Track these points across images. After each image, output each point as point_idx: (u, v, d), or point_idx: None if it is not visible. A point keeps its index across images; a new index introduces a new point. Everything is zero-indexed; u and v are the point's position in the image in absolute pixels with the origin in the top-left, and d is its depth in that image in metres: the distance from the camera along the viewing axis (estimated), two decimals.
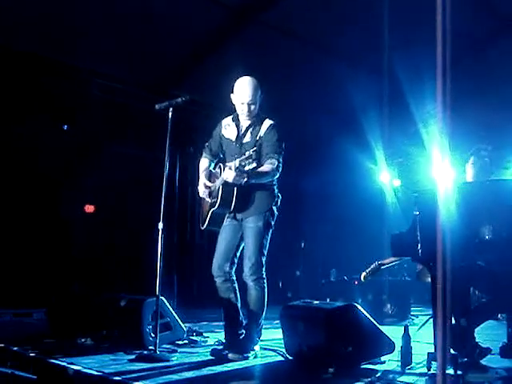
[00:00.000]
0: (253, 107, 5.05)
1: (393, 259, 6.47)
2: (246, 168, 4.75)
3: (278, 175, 5.07)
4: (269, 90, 5.21)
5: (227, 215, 5.16)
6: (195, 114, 9.50)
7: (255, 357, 4.99)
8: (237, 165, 4.75)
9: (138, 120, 9.09)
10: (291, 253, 11.16)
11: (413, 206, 4.56)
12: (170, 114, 5.03)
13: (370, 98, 9.09)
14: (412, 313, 8.45)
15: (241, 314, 5.20)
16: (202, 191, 5.25)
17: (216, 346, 5.29)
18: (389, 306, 8.24)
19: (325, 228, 11.24)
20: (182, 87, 8.68)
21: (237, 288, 5.19)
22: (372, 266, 6.86)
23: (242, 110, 5.09)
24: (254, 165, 4.79)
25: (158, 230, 4.94)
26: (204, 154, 5.48)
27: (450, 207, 4.14)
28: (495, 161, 5.07)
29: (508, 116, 8.50)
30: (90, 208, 9.43)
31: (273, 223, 5.14)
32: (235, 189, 4.96)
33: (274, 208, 5.16)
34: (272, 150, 4.97)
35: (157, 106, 5.12)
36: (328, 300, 7.95)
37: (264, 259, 5.07)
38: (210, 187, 5.23)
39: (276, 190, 5.20)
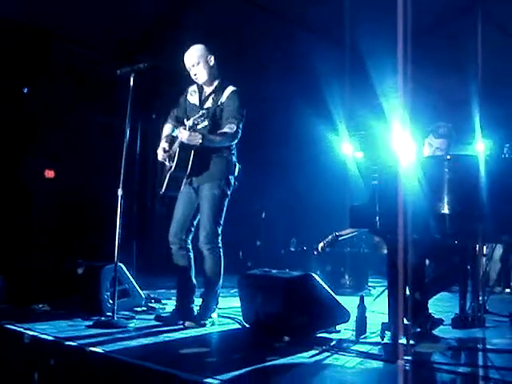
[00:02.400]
0: (198, 70, 5.09)
1: (350, 230, 6.55)
2: (199, 126, 4.84)
3: (236, 140, 5.08)
4: (233, 60, 5.20)
5: (184, 181, 5.14)
6: (158, 80, 9.41)
7: (212, 324, 5.03)
8: (190, 124, 4.83)
9: (100, 85, 8.97)
10: (252, 222, 11.19)
11: (373, 179, 4.60)
12: (132, 79, 4.99)
13: (333, 69, 9.08)
14: (369, 284, 8.58)
15: (194, 282, 5.23)
16: (161, 155, 5.20)
17: (160, 313, 5.40)
18: (346, 276, 8.35)
19: (286, 198, 11.28)
20: (147, 53, 8.57)
21: (192, 256, 5.21)
22: (329, 237, 6.95)
23: (193, 76, 5.14)
24: (206, 123, 4.90)
25: (118, 197, 4.92)
26: (169, 120, 5.45)
27: (410, 181, 4.20)
28: (455, 137, 5.14)
29: (471, 92, 8.58)
30: (49, 173, 9.32)
31: (229, 192, 5.13)
32: (192, 151, 4.95)
33: (231, 177, 5.15)
34: (232, 114, 4.99)
35: (118, 71, 5.06)
36: (287, 270, 8.02)
37: (220, 228, 5.07)
38: (169, 151, 5.20)
39: (234, 159, 5.19)
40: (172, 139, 5.29)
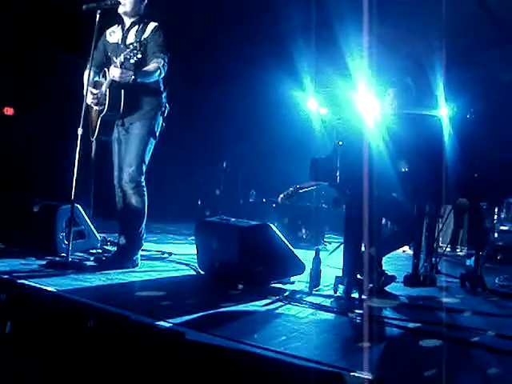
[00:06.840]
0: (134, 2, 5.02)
1: (311, 183, 6.58)
2: (132, 61, 4.75)
3: (163, 74, 5.03)
4: (195, 12, 5.08)
5: (116, 124, 5.13)
6: None
7: (137, 265, 5.07)
8: (122, 60, 4.79)
9: (64, 21, 8.70)
10: (212, 172, 11.15)
11: (336, 133, 4.61)
12: (98, 16, 4.85)
13: (300, 24, 8.96)
14: (325, 239, 8.65)
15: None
16: (90, 98, 5.10)
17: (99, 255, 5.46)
18: (303, 230, 8.40)
19: (248, 149, 11.21)
20: None
21: None
22: (290, 189, 6.98)
23: (123, 6, 5.00)
24: (140, 56, 4.75)
25: (78, 136, 4.84)
26: (88, 66, 5.26)
27: (373, 137, 4.22)
28: (416, 94, 5.18)
29: (437, 56, 8.59)
30: (8, 110, 9.10)
31: (157, 133, 5.16)
32: (123, 91, 4.92)
33: (160, 118, 5.17)
34: (158, 49, 4.96)
35: (84, 7, 4.91)
36: (245, 219, 8.05)
37: (144, 167, 5.08)
38: (96, 94, 5.11)
39: (164, 100, 5.20)
40: (95, 83, 5.20)
